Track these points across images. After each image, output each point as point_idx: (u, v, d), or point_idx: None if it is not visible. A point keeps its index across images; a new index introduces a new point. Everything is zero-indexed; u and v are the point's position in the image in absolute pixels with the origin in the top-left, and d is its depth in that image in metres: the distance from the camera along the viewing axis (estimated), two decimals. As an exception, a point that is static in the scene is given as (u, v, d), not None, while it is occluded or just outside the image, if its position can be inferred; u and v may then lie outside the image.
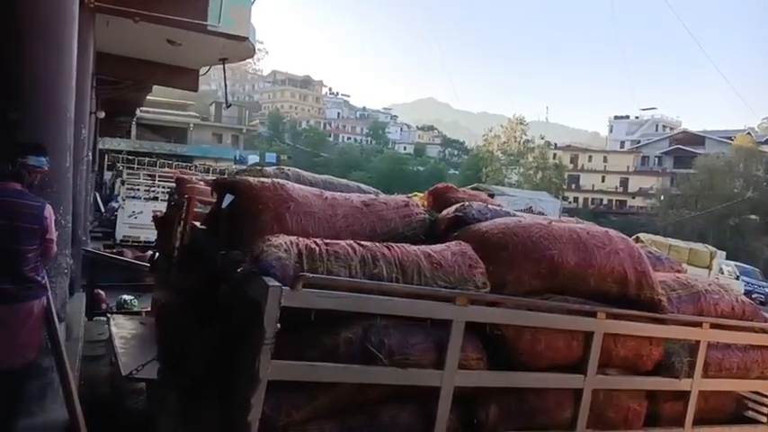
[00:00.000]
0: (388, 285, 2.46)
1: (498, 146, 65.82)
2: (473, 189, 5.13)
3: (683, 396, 3.34)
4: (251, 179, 2.97)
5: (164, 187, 17.26)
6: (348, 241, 2.59)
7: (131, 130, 35.25)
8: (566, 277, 2.91)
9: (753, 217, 44.39)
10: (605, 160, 68.11)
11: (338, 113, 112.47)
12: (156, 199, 16.62)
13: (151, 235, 9.78)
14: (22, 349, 3.59)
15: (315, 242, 2.48)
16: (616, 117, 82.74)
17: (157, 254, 6.64)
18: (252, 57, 13.81)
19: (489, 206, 3.57)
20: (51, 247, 3.80)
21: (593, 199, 64.23)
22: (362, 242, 2.63)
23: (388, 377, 2.44)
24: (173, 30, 8.97)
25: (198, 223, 4.04)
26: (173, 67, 12.40)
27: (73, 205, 5.09)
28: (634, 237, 12.83)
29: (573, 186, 64.96)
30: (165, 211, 6.76)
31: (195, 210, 4.78)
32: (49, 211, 3.70)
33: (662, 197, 52.32)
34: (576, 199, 63.44)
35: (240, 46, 10.22)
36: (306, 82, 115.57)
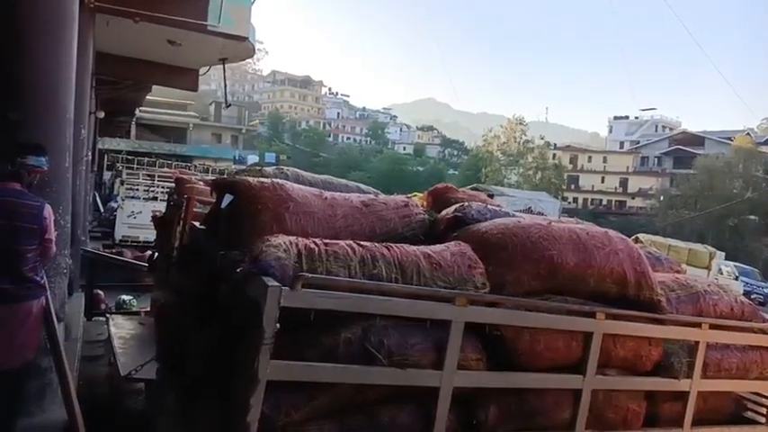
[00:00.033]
0: (387, 286, 2.46)
1: (498, 146, 65.83)
2: (472, 189, 5.14)
3: (682, 396, 3.34)
4: (250, 179, 2.97)
5: (163, 187, 17.25)
6: (347, 241, 2.59)
7: (131, 130, 35.22)
8: (565, 278, 2.91)
9: (752, 217, 44.43)
10: (605, 161, 68.17)
11: (338, 113, 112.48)
12: (155, 199, 16.61)
13: (150, 235, 9.79)
14: (20, 349, 3.59)
15: (314, 242, 2.48)
16: (616, 117, 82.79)
17: (156, 254, 6.64)
18: (252, 57, 13.81)
19: (489, 206, 3.57)
20: (50, 247, 3.80)
21: (592, 199, 64.28)
22: (362, 242, 2.63)
23: (388, 377, 2.44)
24: (173, 30, 8.97)
25: (197, 223, 4.04)
26: (172, 67, 12.39)
27: (72, 205, 5.08)
28: (633, 237, 12.83)
29: (572, 187, 65.03)
30: (164, 211, 6.76)
31: (194, 210, 4.77)
32: (48, 210, 3.70)
33: (661, 198, 52.37)
34: (575, 199, 63.49)
35: (240, 46, 10.22)
36: (305, 82, 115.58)
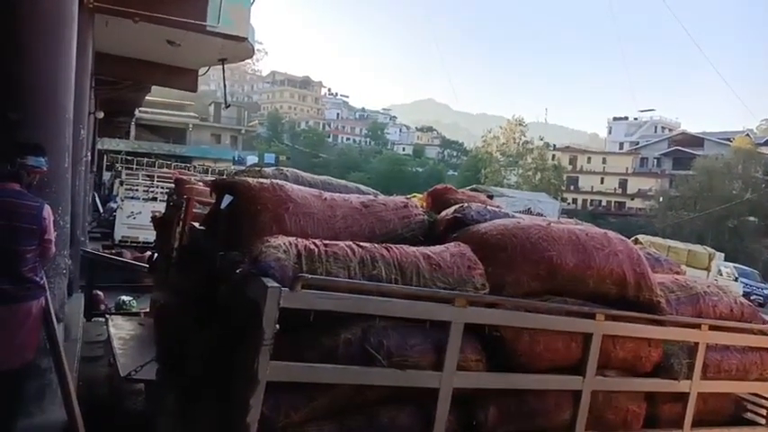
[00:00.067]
0: (386, 286, 2.46)
1: (497, 147, 65.86)
2: (472, 190, 5.14)
3: (682, 398, 3.34)
4: (250, 180, 2.97)
5: (162, 188, 17.23)
6: (347, 242, 2.59)
7: (130, 131, 35.23)
8: (564, 279, 2.91)
9: (751, 219, 44.45)
10: (604, 161, 68.21)
11: (337, 114, 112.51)
12: (154, 199, 16.60)
13: (150, 235, 9.78)
14: (20, 350, 3.58)
15: (314, 243, 2.48)
16: (615, 118, 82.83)
17: (156, 254, 6.64)
18: (251, 57, 13.82)
19: (488, 207, 3.57)
20: (50, 248, 3.80)
21: (591, 200, 64.28)
22: (361, 243, 2.63)
23: (387, 378, 2.44)
24: (172, 30, 8.97)
25: (197, 224, 4.03)
26: (172, 68, 12.40)
27: (71, 206, 5.08)
28: (633, 238, 12.83)
29: (572, 188, 65.06)
30: (163, 211, 6.75)
31: (194, 210, 4.77)
32: (47, 211, 3.70)
33: (661, 199, 52.38)
34: (574, 200, 63.52)
35: (239, 46, 10.22)
36: (305, 82, 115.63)
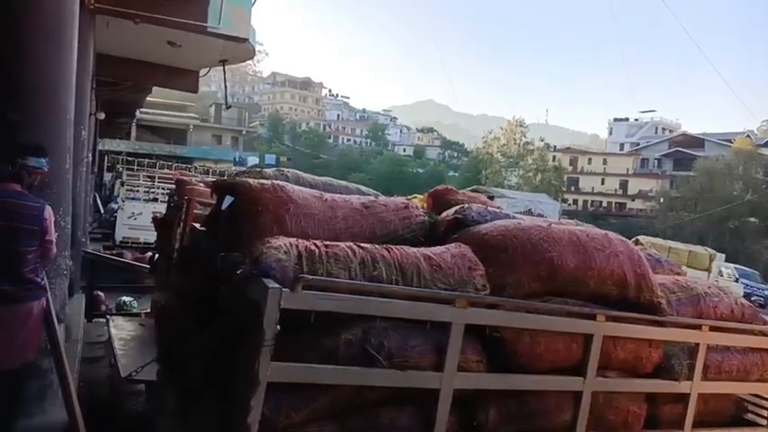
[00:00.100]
0: (387, 287, 2.46)
1: (498, 148, 65.85)
2: (472, 191, 5.15)
3: (683, 399, 3.34)
4: (251, 181, 2.97)
5: (163, 189, 17.25)
6: (348, 243, 2.59)
7: (131, 132, 35.30)
8: (565, 280, 2.91)
9: (752, 220, 44.42)
10: (605, 162, 68.22)
11: (338, 115, 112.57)
12: (155, 200, 16.63)
13: (151, 236, 9.77)
14: (21, 350, 3.59)
15: (314, 244, 2.48)
16: (615, 119, 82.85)
17: (157, 255, 6.64)
18: (252, 58, 13.82)
19: (489, 208, 3.57)
20: (51, 249, 3.80)
21: (592, 201, 64.24)
22: (362, 244, 2.63)
23: (388, 379, 2.44)
24: (173, 31, 8.97)
25: (197, 225, 4.04)
26: (172, 69, 12.39)
27: (72, 206, 5.08)
28: (633, 239, 12.83)
29: (572, 189, 65.04)
30: (164, 212, 6.76)
31: (195, 211, 4.78)
32: (48, 212, 3.70)
33: (661, 199, 52.36)
34: (575, 201, 63.48)
35: (240, 47, 10.21)
36: (306, 83, 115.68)
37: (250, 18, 9.81)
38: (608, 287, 3.01)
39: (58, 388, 3.86)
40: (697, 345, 3.30)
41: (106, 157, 29.53)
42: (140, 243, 14.69)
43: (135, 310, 7.76)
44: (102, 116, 14.78)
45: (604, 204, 63.55)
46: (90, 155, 10.59)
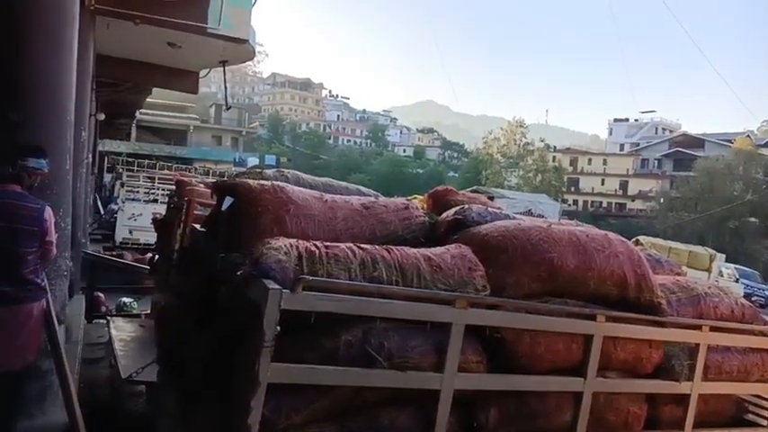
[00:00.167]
0: (387, 288, 2.46)
1: (498, 148, 65.84)
2: (472, 192, 5.15)
3: (683, 399, 3.34)
4: (251, 182, 2.97)
5: (163, 189, 17.25)
6: (348, 244, 2.59)
7: (131, 133, 35.31)
8: (565, 280, 2.91)
9: (752, 220, 44.42)
10: (605, 163, 68.24)
11: (338, 116, 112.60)
12: (155, 201, 16.62)
13: (151, 237, 9.79)
14: (21, 351, 3.59)
15: (315, 245, 2.48)
16: (616, 120, 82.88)
17: (157, 256, 6.64)
18: (252, 59, 13.82)
19: (489, 209, 3.57)
20: (51, 250, 3.80)
21: (592, 202, 64.24)
22: (362, 245, 2.63)
23: (388, 380, 2.44)
24: (173, 32, 8.97)
25: (197, 226, 4.04)
26: (173, 70, 12.40)
27: (72, 208, 5.09)
28: (634, 239, 12.83)
29: (572, 189, 65.05)
30: (164, 213, 6.76)
31: (195, 212, 4.78)
32: (48, 213, 3.70)
33: (661, 200, 52.37)
34: (575, 202, 63.47)
35: (240, 48, 10.21)
36: (306, 84, 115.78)
37: (250, 19, 9.81)
38: (608, 288, 3.01)
39: (58, 389, 3.86)
40: (697, 345, 3.30)
41: (106, 158, 29.56)
42: (140, 244, 14.69)
43: (135, 312, 7.75)
44: (102, 117, 14.79)
45: (604, 205, 63.55)
46: (90, 156, 10.60)
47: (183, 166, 31.12)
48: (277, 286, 2.15)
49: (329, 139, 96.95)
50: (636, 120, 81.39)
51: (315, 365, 2.30)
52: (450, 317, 2.50)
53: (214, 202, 3.50)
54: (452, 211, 3.43)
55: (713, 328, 3.35)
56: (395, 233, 3.09)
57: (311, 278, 2.28)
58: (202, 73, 13.04)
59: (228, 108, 23.81)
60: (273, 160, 56.80)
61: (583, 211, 55.97)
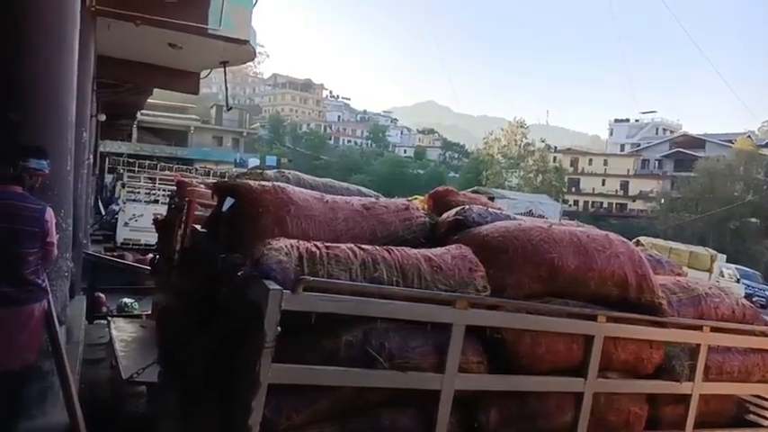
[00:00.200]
0: (388, 289, 2.46)
1: (498, 149, 65.78)
2: (473, 192, 5.15)
3: (684, 399, 3.34)
4: (251, 182, 2.97)
5: (164, 190, 17.26)
6: (348, 245, 2.59)
7: (132, 133, 35.37)
8: (566, 281, 2.91)
9: (753, 220, 44.37)
10: (606, 163, 68.22)
11: (339, 116, 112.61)
12: (156, 202, 16.63)
13: (152, 238, 9.78)
14: (21, 352, 3.59)
15: (315, 245, 2.48)
16: (616, 120, 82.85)
17: (158, 257, 6.64)
18: (252, 60, 13.83)
19: (489, 209, 3.57)
20: (52, 251, 3.81)
21: (593, 202, 64.21)
22: (363, 245, 2.63)
23: (389, 380, 2.44)
24: (174, 33, 8.98)
25: (198, 226, 4.04)
26: (173, 71, 12.41)
27: (74, 208, 5.09)
28: (634, 240, 12.82)
29: (573, 189, 65.03)
30: (165, 214, 6.76)
31: (196, 213, 4.78)
32: (49, 214, 3.71)
33: (662, 200, 52.35)
34: (576, 202, 63.45)
35: (241, 49, 10.22)
36: (306, 85, 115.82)
37: (251, 20, 9.82)
38: (609, 288, 3.01)
39: (59, 390, 3.86)
40: (698, 345, 3.29)
41: (107, 159, 29.58)
42: (141, 245, 14.69)
43: (136, 312, 7.75)
44: (102, 118, 14.80)
45: (605, 205, 63.51)
46: (91, 157, 10.61)
47: (184, 167, 31.16)
48: (278, 287, 2.15)
49: (330, 139, 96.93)
50: (636, 120, 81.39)
51: (316, 366, 2.30)
52: (450, 317, 2.50)
53: (215, 203, 3.50)
54: (453, 211, 3.43)
55: (714, 329, 3.35)
56: (395, 234, 3.09)
57: (312, 279, 2.28)
58: (203, 74, 13.05)
59: (229, 109, 23.85)
60: (274, 161, 56.82)
61: (583, 212, 55.94)
